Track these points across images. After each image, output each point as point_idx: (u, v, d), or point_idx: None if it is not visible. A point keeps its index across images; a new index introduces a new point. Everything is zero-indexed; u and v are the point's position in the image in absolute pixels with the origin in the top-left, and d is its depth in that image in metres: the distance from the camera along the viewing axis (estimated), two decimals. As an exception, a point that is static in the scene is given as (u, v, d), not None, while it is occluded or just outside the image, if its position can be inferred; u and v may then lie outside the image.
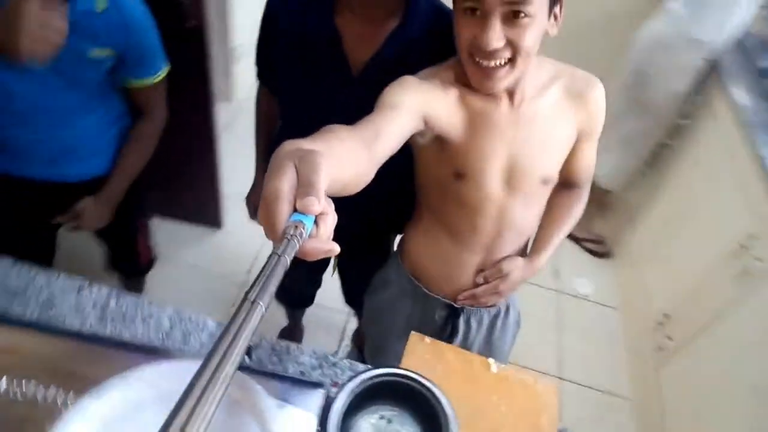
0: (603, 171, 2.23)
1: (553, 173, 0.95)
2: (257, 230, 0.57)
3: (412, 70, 0.86)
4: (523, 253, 1.08)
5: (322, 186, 0.43)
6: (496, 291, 1.02)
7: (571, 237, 2.44)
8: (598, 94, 0.92)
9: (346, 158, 0.56)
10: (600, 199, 2.40)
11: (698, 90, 2.02)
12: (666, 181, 2.18)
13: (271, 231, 0.41)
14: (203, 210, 2.13)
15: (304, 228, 0.40)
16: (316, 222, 0.42)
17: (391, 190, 1.01)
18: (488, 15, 0.74)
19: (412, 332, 0.92)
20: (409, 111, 0.77)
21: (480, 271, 1.03)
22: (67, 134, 1.19)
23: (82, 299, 0.88)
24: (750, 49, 2.01)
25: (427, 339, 0.91)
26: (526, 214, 0.98)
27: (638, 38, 2.04)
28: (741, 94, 1.78)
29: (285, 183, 0.42)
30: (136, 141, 1.31)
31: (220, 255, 2.13)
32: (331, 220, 0.43)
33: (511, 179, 0.91)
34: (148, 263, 1.66)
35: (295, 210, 0.41)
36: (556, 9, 0.81)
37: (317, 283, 1.57)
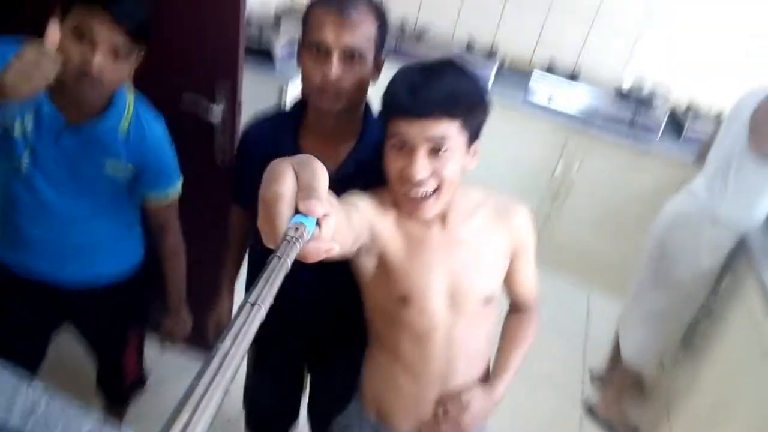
0: (631, 350, 2.11)
1: (493, 292, 1.01)
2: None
3: (366, 187, 0.96)
4: (484, 381, 1.09)
5: (324, 189, 0.43)
6: (458, 424, 1.00)
7: (601, 420, 2.21)
8: (521, 216, 1.01)
9: (333, 201, 0.60)
10: (632, 382, 2.21)
11: (727, 269, 1.94)
12: (702, 365, 2.00)
13: (270, 234, 0.41)
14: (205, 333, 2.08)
15: (305, 230, 0.40)
16: (318, 224, 0.42)
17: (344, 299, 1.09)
18: (414, 150, 0.85)
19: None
20: (360, 214, 0.85)
21: (440, 401, 1.03)
22: (77, 236, 1.24)
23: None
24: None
25: None
26: (473, 338, 1.01)
27: (662, 214, 2.03)
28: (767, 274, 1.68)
29: (285, 186, 0.42)
30: (170, 259, 1.39)
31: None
32: (333, 221, 0.44)
33: (454, 301, 0.95)
34: (134, 385, 1.60)
35: (296, 212, 0.42)
36: (476, 145, 0.92)
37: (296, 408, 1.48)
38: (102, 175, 1.18)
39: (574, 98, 2.76)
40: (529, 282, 1.08)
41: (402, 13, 3.14)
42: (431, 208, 0.90)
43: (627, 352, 2.14)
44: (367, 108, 1.11)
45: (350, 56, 0.96)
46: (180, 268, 1.42)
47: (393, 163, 0.88)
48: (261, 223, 0.42)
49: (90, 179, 1.18)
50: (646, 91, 2.79)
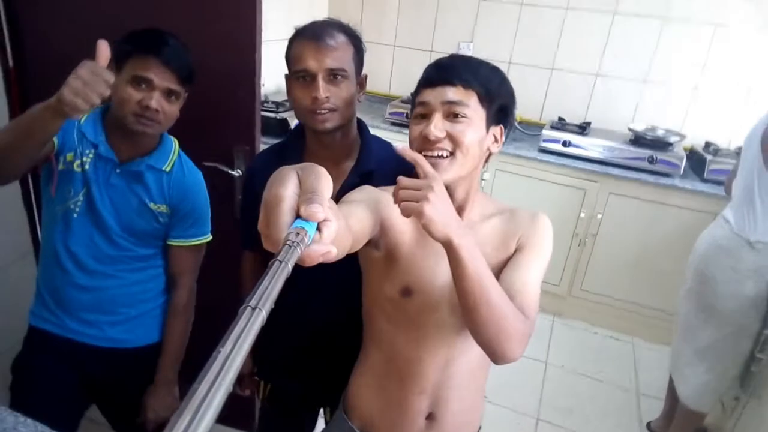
0: (688, 391, 1.98)
1: None
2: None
3: None
4: (475, 395, 1.03)
5: (327, 194, 0.43)
6: (418, 201, 0.75)
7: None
8: (537, 219, 0.97)
9: (334, 207, 0.59)
10: (694, 424, 2.04)
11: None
12: (766, 402, 1.83)
13: (271, 236, 0.40)
14: (234, 408, 2.03)
15: (306, 235, 0.40)
16: (318, 228, 0.42)
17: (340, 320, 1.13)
18: (432, 113, 0.89)
19: None
20: (367, 208, 0.86)
21: (429, 416, 0.98)
22: (111, 288, 1.28)
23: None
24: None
25: None
26: (471, 349, 0.93)
27: (697, 246, 1.98)
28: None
29: (287, 190, 0.42)
30: (174, 316, 1.37)
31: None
32: (333, 226, 0.43)
33: (456, 300, 0.88)
34: None
35: (297, 217, 0.41)
36: (496, 132, 0.94)
37: None
38: (144, 213, 1.26)
39: (588, 145, 2.78)
40: (524, 279, 0.91)
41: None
42: (446, 171, 0.89)
43: (684, 394, 2.00)
44: (362, 125, 1.19)
45: (334, 76, 1.05)
46: (179, 331, 1.37)
47: (414, 131, 0.91)
48: (261, 226, 0.42)
49: (133, 217, 1.24)
50: (660, 133, 2.81)
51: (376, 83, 3.52)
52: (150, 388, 1.35)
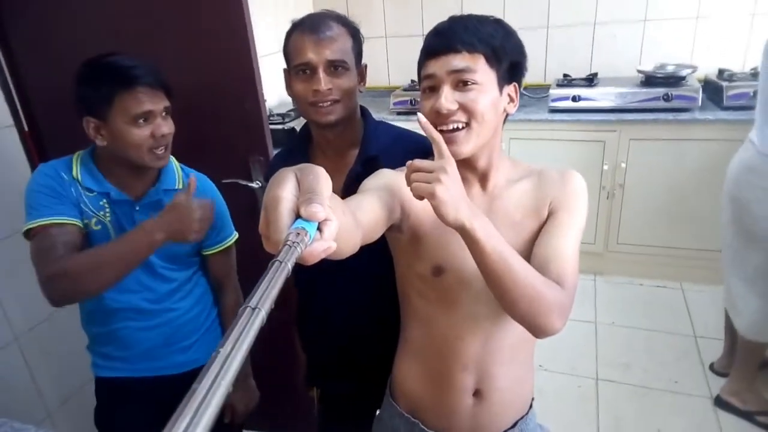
0: (746, 323, 1.93)
1: (526, 259, 0.86)
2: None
3: None
4: (521, 369, 0.99)
5: (326, 193, 0.43)
6: (430, 183, 0.72)
7: (737, 411, 1.97)
8: (568, 178, 0.92)
9: (338, 207, 0.57)
10: (757, 357, 1.99)
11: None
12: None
13: (270, 239, 0.41)
14: (295, 417, 2.05)
15: (306, 235, 0.40)
16: (319, 228, 0.42)
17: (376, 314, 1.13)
18: (440, 85, 0.85)
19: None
20: (386, 193, 0.84)
21: (476, 393, 0.96)
22: (173, 320, 1.30)
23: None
24: None
25: None
26: (510, 320, 0.87)
27: (729, 173, 1.92)
28: None
29: (286, 191, 0.42)
30: (231, 315, 1.39)
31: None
32: (334, 225, 0.43)
33: None
34: None
35: (297, 217, 0.41)
36: (510, 91, 0.90)
37: None
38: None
39: (598, 95, 2.72)
40: (559, 246, 0.86)
41: (409, 70, 3.27)
42: (462, 144, 0.86)
43: (741, 326, 1.94)
44: (366, 113, 1.18)
45: (334, 68, 1.04)
46: None
47: (425, 106, 0.88)
48: (262, 227, 0.42)
49: (169, 245, 1.23)
50: (670, 68, 2.73)
51: (374, 77, 3.51)
52: (232, 391, 1.37)
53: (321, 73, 1.03)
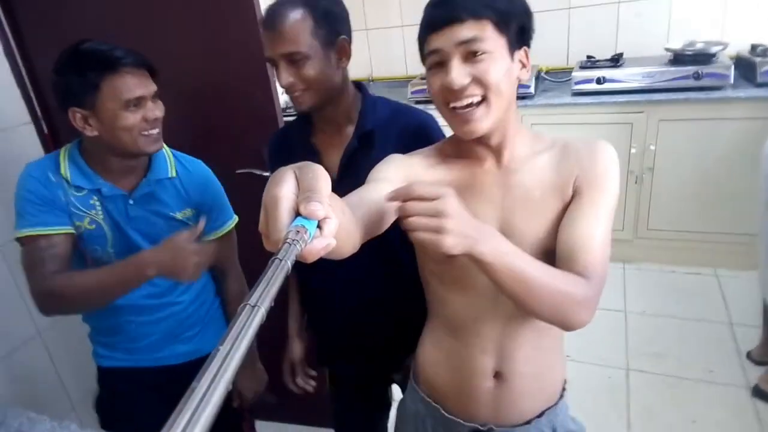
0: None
1: (550, 242, 0.83)
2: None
3: (373, 158, 0.95)
4: (547, 355, 0.93)
5: (325, 191, 0.42)
6: (434, 229, 0.65)
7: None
8: (596, 150, 0.84)
9: (338, 206, 0.55)
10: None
11: None
12: None
13: (270, 238, 0.40)
14: (313, 408, 2.04)
15: (306, 233, 0.40)
16: (319, 225, 0.42)
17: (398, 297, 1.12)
18: (448, 59, 0.79)
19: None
20: (394, 181, 0.80)
21: (496, 376, 0.91)
22: (175, 314, 1.29)
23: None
24: None
25: None
26: None
27: (764, 150, 1.82)
28: None
29: (285, 189, 0.42)
30: (235, 303, 1.37)
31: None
32: (334, 222, 0.43)
33: None
34: None
35: (297, 215, 0.41)
36: (521, 56, 0.82)
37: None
38: (174, 227, 1.23)
39: (625, 76, 2.62)
40: (586, 233, 0.79)
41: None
42: (481, 121, 0.80)
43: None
44: (362, 87, 1.17)
45: (292, 61, 1.02)
46: None
47: (434, 83, 0.82)
48: (261, 226, 0.42)
49: (167, 237, 1.20)
50: (700, 45, 2.62)
51: (391, 67, 3.47)
52: (238, 376, 1.33)
53: (282, 69, 1.03)
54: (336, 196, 0.57)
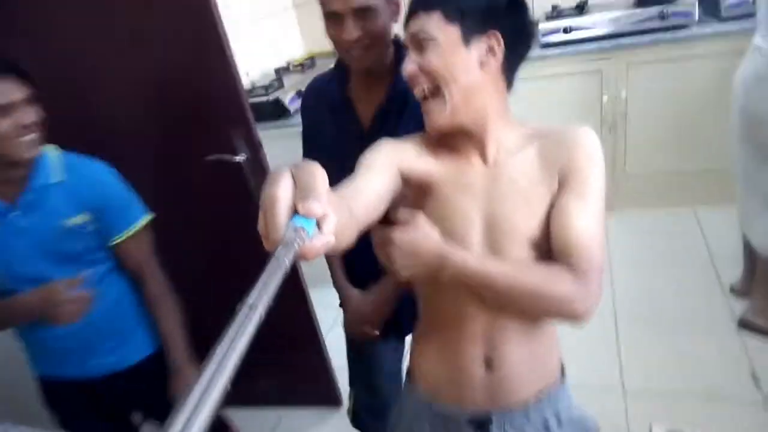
0: (761, 240, 1.86)
1: (540, 234, 0.83)
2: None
3: (405, 117, 1.08)
4: (539, 344, 0.92)
5: (323, 189, 0.42)
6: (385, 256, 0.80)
7: (763, 331, 1.94)
8: (577, 137, 0.83)
9: (334, 201, 0.55)
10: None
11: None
12: None
13: (269, 238, 0.41)
14: (318, 390, 2.06)
15: (304, 232, 0.40)
16: (318, 225, 0.42)
17: None
18: (409, 50, 0.83)
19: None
20: (384, 167, 0.82)
21: (487, 363, 0.90)
22: (88, 324, 1.24)
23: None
24: None
25: None
26: None
27: (735, 85, 1.82)
28: None
29: (282, 189, 0.42)
30: (156, 307, 1.32)
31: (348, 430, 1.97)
32: (333, 220, 0.43)
33: (494, 242, 0.84)
34: None
35: (295, 214, 0.41)
36: (489, 41, 0.80)
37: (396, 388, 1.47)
38: (67, 234, 1.17)
39: (591, 23, 2.59)
40: (575, 226, 0.79)
41: None
42: (435, 113, 0.82)
43: (761, 244, 1.88)
44: (399, 43, 1.16)
45: (362, 13, 1.03)
46: (170, 315, 1.31)
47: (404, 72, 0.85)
48: (260, 227, 0.42)
49: (60, 246, 1.17)
50: (663, -15, 2.58)
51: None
52: (169, 381, 1.29)
53: (348, 22, 1.03)
54: (332, 192, 0.56)
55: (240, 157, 1.64)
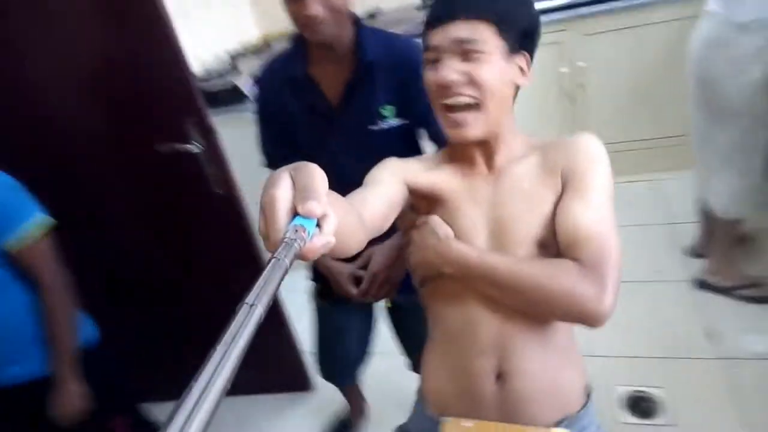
0: (721, 200, 1.92)
1: (547, 234, 0.83)
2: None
3: (375, 89, 1.12)
4: (556, 354, 0.87)
5: (322, 190, 0.43)
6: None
7: (718, 289, 2.00)
8: (578, 143, 0.86)
9: (339, 204, 0.57)
10: (733, 234, 2.00)
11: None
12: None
13: (270, 239, 0.41)
14: (287, 375, 2.06)
15: (305, 232, 0.41)
16: (318, 225, 0.42)
17: None
18: (442, 55, 0.81)
19: (444, 420, 0.82)
20: (391, 182, 0.85)
21: (499, 376, 0.85)
22: None
23: None
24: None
25: (467, 422, 0.79)
26: None
27: (690, 50, 1.84)
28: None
29: (282, 190, 0.42)
30: (49, 317, 1.26)
31: (321, 414, 1.98)
32: (333, 220, 0.43)
33: (500, 246, 0.84)
34: None
35: (296, 215, 0.42)
36: (520, 62, 0.83)
37: (364, 350, 1.61)
38: None
39: (545, -5, 2.59)
40: (584, 223, 0.79)
41: None
42: (473, 126, 0.82)
43: (717, 205, 1.93)
44: (357, 20, 1.18)
45: None
46: (62, 324, 1.26)
47: (428, 79, 0.84)
48: (260, 228, 0.42)
49: None
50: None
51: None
52: (50, 395, 1.26)
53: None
54: (334, 194, 0.56)
55: (193, 146, 1.59)
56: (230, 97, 2.49)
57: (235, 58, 2.79)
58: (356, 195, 0.78)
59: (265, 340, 1.96)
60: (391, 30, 1.27)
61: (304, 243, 0.40)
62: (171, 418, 0.27)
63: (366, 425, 1.92)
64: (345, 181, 1.07)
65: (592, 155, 0.84)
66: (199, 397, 0.28)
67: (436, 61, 0.82)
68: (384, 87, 1.15)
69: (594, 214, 0.79)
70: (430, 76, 0.83)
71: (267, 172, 1.29)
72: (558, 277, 0.75)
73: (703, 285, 2.05)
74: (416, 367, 1.57)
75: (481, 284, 0.82)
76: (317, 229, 0.42)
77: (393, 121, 1.17)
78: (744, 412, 1.60)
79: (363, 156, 1.05)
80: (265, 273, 0.37)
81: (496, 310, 0.85)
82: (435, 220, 0.86)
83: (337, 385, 1.73)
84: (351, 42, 1.16)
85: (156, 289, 1.89)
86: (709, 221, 2.06)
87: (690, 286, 2.09)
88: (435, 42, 0.81)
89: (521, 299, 0.79)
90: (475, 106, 0.81)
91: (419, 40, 1.06)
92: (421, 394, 0.99)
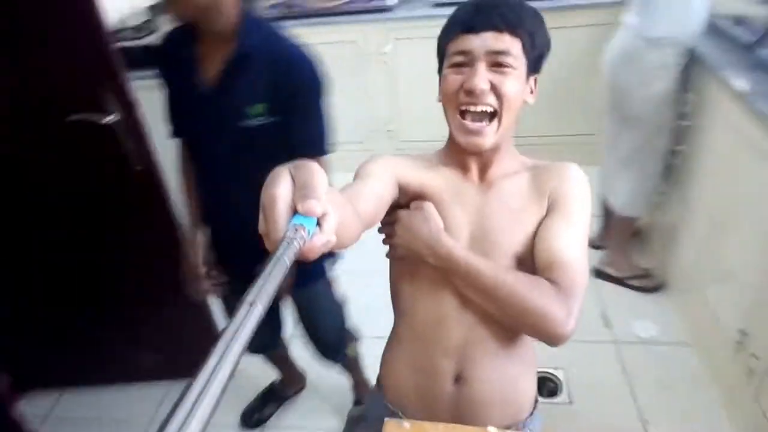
0: (621, 200, 2.11)
1: (525, 251, 0.86)
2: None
3: (250, 81, 1.13)
4: (513, 365, 0.90)
5: (322, 188, 0.43)
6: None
7: (613, 279, 2.21)
8: (564, 172, 0.90)
9: (338, 201, 0.56)
10: (629, 229, 2.20)
11: (687, 89, 1.90)
12: (692, 190, 1.97)
13: (270, 237, 0.41)
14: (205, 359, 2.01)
15: (304, 230, 0.40)
16: (318, 223, 0.42)
17: None
18: (475, 62, 0.81)
19: (387, 420, 0.83)
20: (382, 176, 0.86)
21: (457, 380, 0.89)
22: None
23: None
24: (725, 29, 1.91)
25: (406, 423, 0.81)
26: None
27: (605, 59, 1.98)
28: (732, 75, 1.63)
29: (281, 188, 0.42)
30: None
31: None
32: (333, 219, 0.44)
33: (481, 253, 0.85)
34: None
35: (295, 213, 0.42)
36: (531, 81, 0.88)
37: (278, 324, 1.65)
38: None
39: None
40: (560, 247, 0.82)
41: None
42: (488, 136, 0.83)
43: (617, 203, 2.12)
44: (248, 9, 1.18)
45: None
46: None
47: (450, 82, 0.84)
48: (261, 227, 0.42)
49: None
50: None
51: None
52: None
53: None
54: (334, 189, 0.57)
55: (110, 117, 1.47)
56: (143, 56, 2.30)
57: (154, 12, 2.57)
58: (350, 188, 0.79)
59: (181, 323, 1.90)
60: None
61: (304, 242, 0.40)
62: (171, 416, 0.27)
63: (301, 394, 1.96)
64: (218, 179, 1.25)
65: (580, 186, 0.88)
66: (199, 395, 0.28)
67: (462, 65, 0.83)
68: (259, 80, 1.15)
69: (574, 241, 0.83)
70: (456, 79, 0.83)
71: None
72: (535, 294, 0.78)
73: (600, 274, 2.26)
74: (325, 354, 1.60)
75: (462, 283, 0.84)
76: (317, 227, 0.42)
77: (263, 119, 1.17)
78: (633, 390, 1.81)
79: (237, 151, 1.16)
80: (265, 272, 0.37)
81: (466, 313, 0.87)
82: (429, 208, 0.87)
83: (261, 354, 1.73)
84: (235, 28, 1.15)
85: (70, 269, 1.75)
86: (609, 216, 2.26)
87: (589, 274, 2.29)
88: (469, 47, 0.81)
89: (496, 306, 0.82)
90: (492, 116, 0.83)
91: (308, 44, 1.16)
92: (381, 383, 1.02)
